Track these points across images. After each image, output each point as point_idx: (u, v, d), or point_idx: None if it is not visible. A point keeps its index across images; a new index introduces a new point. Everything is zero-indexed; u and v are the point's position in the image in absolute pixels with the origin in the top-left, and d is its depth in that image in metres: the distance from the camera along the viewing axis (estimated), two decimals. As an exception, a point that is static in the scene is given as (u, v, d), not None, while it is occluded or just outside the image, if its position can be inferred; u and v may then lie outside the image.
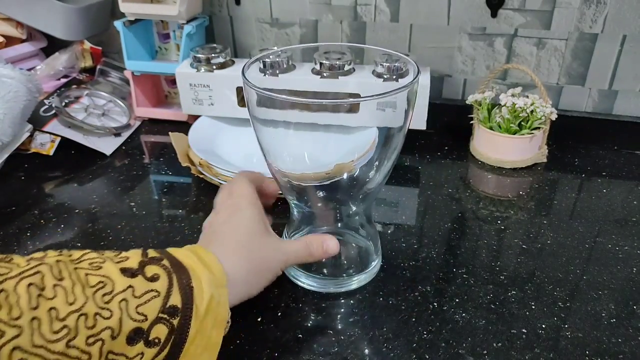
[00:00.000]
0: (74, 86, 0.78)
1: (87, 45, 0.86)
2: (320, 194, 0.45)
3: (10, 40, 0.81)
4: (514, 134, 0.64)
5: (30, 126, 0.66)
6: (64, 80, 0.81)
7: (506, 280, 0.47)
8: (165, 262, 0.34)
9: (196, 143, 0.64)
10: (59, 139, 0.69)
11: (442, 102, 0.83)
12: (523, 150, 0.65)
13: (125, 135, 0.75)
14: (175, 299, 0.32)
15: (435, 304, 0.44)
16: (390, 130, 0.41)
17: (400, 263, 0.49)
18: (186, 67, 0.72)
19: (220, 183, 0.60)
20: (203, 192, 0.61)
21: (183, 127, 0.71)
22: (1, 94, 0.61)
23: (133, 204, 0.60)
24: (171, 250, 0.36)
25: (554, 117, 0.64)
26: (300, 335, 0.42)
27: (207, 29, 0.83)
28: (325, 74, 0.68)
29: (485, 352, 0.40)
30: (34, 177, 0.66)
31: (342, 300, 0.45)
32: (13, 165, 0.66)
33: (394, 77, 0.63)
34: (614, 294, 0.45)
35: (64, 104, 0.73)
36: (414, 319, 0.43)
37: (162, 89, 0.84)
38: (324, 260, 0.45)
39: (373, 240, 0.49)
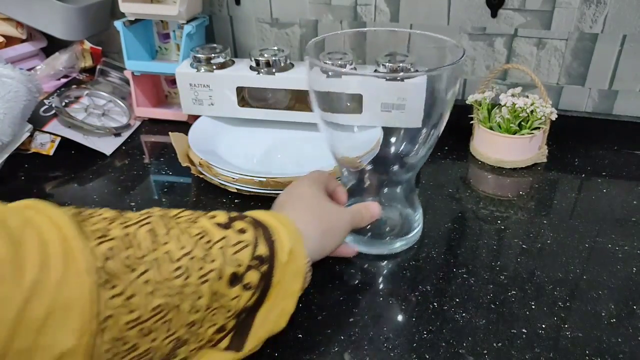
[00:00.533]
0: (74, 86, 0.78)
1: (87, 45, 0.86)
2: (369, 167, 0.50)
3: (10, 40, 0.81)
4: (514, 134, 0.64)
5: (30, 126, 0.66)
6: (64, 80, 0.81)
7: (506, 280, 0.47)
8: (248, 219, 0.38)
9: (196, 143, 0.64)
10: (59, 139, 0.69)
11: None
12: (523, 150, 0.65)
13: (125, 135, 0.75)
14: (262, 250, 0.36)
15: (435, 303, 0.44)
16: (435, 105, 0.45)
17: (401, 263, 0.49)
18: (186, 67, 0.72)
19: (221, 183, 0.60)
20: (203, 192, 0.61)
21: (183, 127, 0.71)
22: (1, 94, 0.61)
23: (133, 204, 0.60)
24: (248, 212, 0.40)
25: (554, 117, 0.64)
26: (300, 335, 0.42)
27: (207, 29, 0.83)
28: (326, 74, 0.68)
29: (485, 351, 0.40)
30: (34, 177, 0.66)
31: (342, 299, 0.45)
32: (13, 165, 0.66)
33: (399, 77, 0.62)
34: (614, 294, 0.45)
35: (64, 104, 0.73)
36: (414, 319, 0.43)
37: (162, 89, 0.84)
38: (368, 226, 0.49)
39: (416, 209, 0.53)
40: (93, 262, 0.28)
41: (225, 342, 0.35)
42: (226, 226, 0.36)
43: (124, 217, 0.33)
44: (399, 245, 0.51)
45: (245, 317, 0.36)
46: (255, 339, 0.37)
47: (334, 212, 0.45)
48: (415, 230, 0.52)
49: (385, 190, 0.53)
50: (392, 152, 0.48)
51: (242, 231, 0.36)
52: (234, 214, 0.38)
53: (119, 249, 0.30)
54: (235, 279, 0.34)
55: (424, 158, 0.49)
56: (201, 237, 0.34)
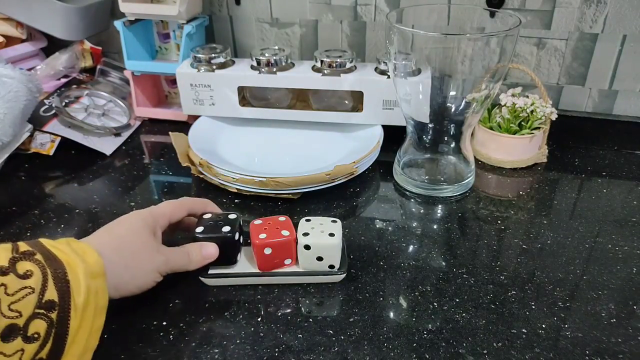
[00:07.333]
0: (74, 86, 0.78)
1: (87, 45, 0.86)
2: (430, 125, 0.58)
3: (10, 40, 0.81)
4: (514, 134, 0.64)
5: (30, 126, 0.66)
6: (64, 80, 0.81)
7: (506, 280, 0.47)
8: (38, 256, 0.34)
9: (196, 143, 0.64)
10: (59, 139, 0.69)
11: (442, 102, 0.83)
12: (523, 150, 0.65)
13: (125, 135, 0.75)
14: (51, 294, 0.32)
15: (435, 303, 0.44)
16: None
17: (400, 263, 0.49)
18: (187, 67, 0.72)
19: (221, 183, 0.60)
20: (203, 192, 0.61)
21: (183, 127, 0.71)
22: (1, 94, 0.61)
23: (133, 204, 0.60)
24: (44, 241, 0.36)
25: (554, 117, 0.64)
26: (300, 335, 0.42)
27: (207, 29, 0.83)
28: (326, 72, 0.68)
29: (485, 351, 0.40)
30: (34, 177, 0.66)
31: (341, 298, 0.45)
32: (13, 165, 0.66)
33: (402, 74, 0.62)
34: (614, 294, 0.45)
35: (64, 104, 0.73)
36: (414, 319, 0.43)
37: (162, 89, 0.84)
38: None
39: (470, 159, 0.61)
40: None
41: None
42: (5, 271, 0.31)
43: None
44: (450, 189, 0.59)
45: None
46: None
47: (145, 248, 0.41)
48: (469, 179, 0.60)
49: (444, 147, 0.61)
50: (452, 110, 0.57)
51: (26, 275, 0.32)
52: (24, 246, 0.34)
53: None
54: (12, 331, 0.30)
55: (479, 114, 0.57)
56: None
